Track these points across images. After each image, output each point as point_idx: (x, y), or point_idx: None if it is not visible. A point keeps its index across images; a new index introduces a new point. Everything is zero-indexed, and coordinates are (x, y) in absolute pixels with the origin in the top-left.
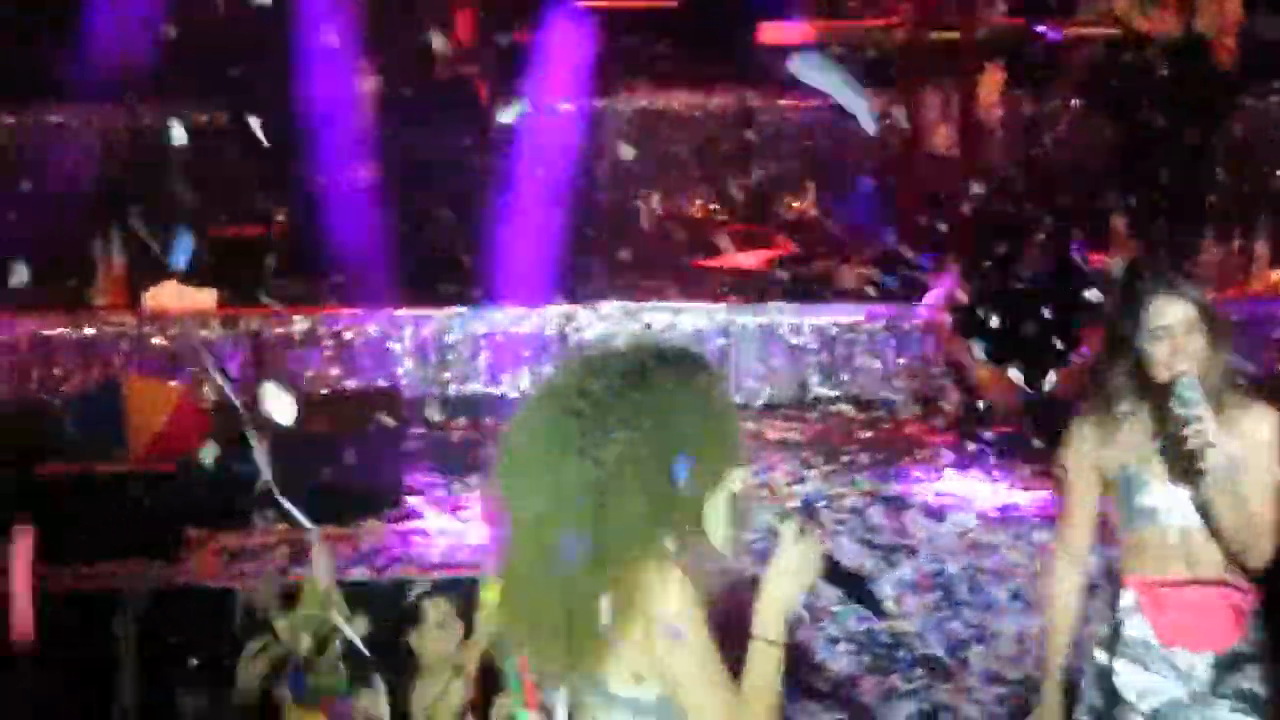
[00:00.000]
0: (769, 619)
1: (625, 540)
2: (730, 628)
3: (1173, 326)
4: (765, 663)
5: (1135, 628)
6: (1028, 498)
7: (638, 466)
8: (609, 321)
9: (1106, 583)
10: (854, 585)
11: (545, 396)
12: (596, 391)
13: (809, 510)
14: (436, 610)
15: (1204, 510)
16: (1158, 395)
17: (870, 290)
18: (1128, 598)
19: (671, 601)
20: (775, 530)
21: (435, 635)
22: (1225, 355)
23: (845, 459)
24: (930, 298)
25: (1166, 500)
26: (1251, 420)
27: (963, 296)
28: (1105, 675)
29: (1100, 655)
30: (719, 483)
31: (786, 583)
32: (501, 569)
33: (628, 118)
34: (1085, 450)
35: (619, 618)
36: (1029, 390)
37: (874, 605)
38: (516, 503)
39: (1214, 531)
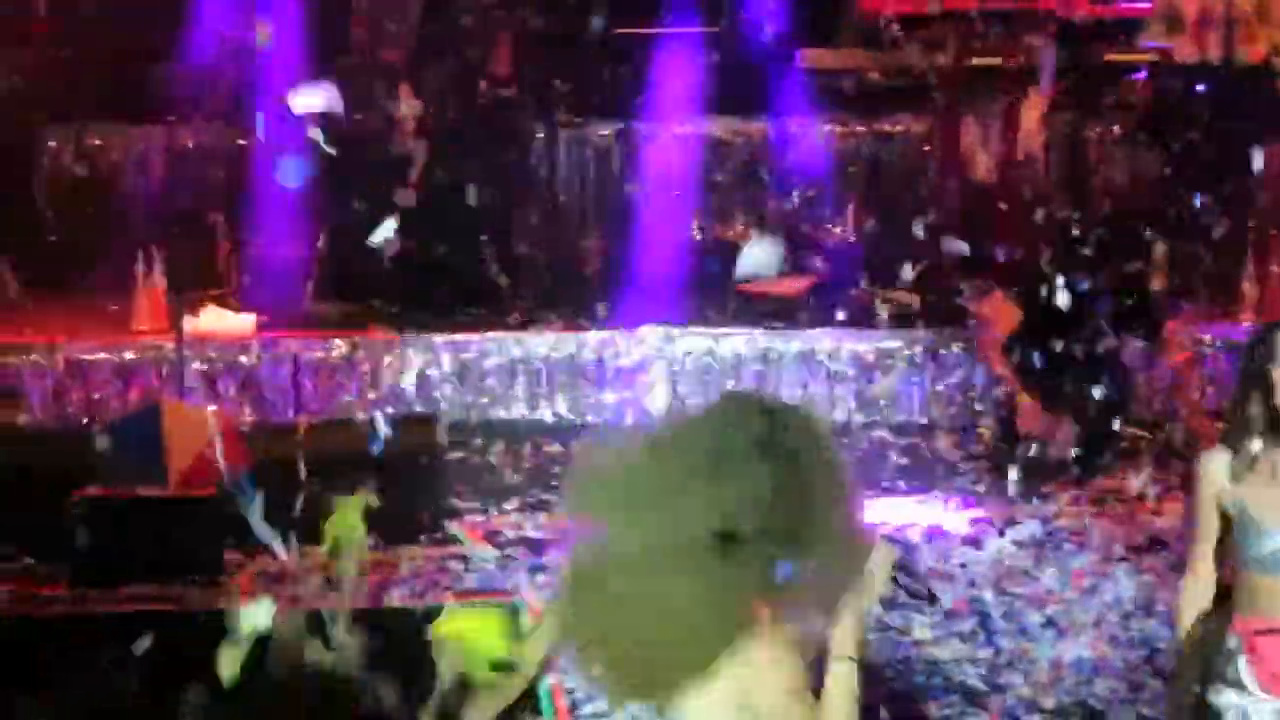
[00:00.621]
0: (846, 636)
1: (735, 602)
2: None
3: None
4: (846, 679)
5: (1236, 671)
6: (1064, 523)
7: (762, 527)
8: (646, 346)
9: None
10: (908, 577)
11: (669, 443)
12: (732, 452)
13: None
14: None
15: None
16: None
17: (909, 316)
18: (1232, 640)
19: (771, 674)
20: None
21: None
22: None
23: (883, 485)
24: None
25: None
26: None
27: (1013, 320)
28: (1207, 712)
29: (1201, 689)
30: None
31: (859, 598)
32: (583, 592)
33: (667, 142)
34: (1211, 482)
35: (721, 663)
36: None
37: (926, 591)
38: (619, 534)
39: None
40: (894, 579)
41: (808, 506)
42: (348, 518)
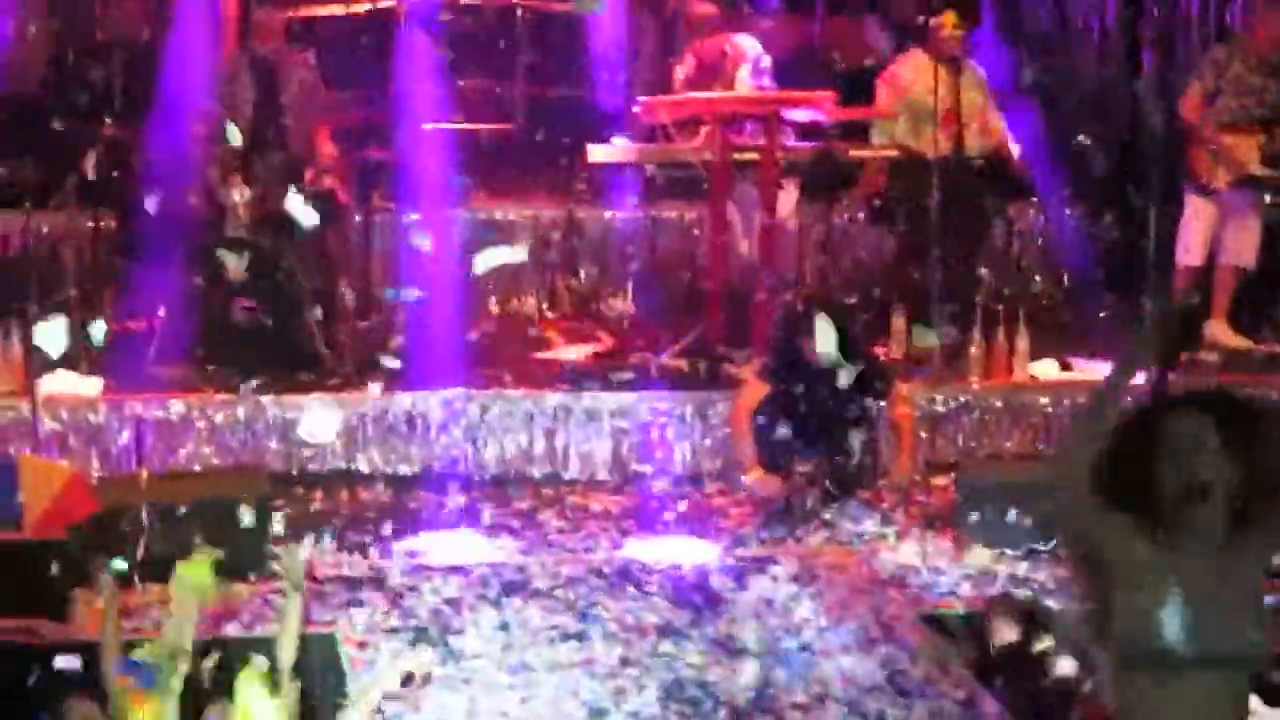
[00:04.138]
0: None
1: None
2: None
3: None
4: None
5: None
6: (819, 562)
7: None
8: (448, 406)
9: None
10: None
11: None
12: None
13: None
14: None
15: None
16: None
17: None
18: None
19: None
20: None
21: None
22: None
23: (660, 527)
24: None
25: None
26: None
27: (759, 393)
28: None
29: None
30: None
31: None
32: None
33: (470, 226)
34: None
35: None
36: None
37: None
38: None
39: None
40: None
41: None
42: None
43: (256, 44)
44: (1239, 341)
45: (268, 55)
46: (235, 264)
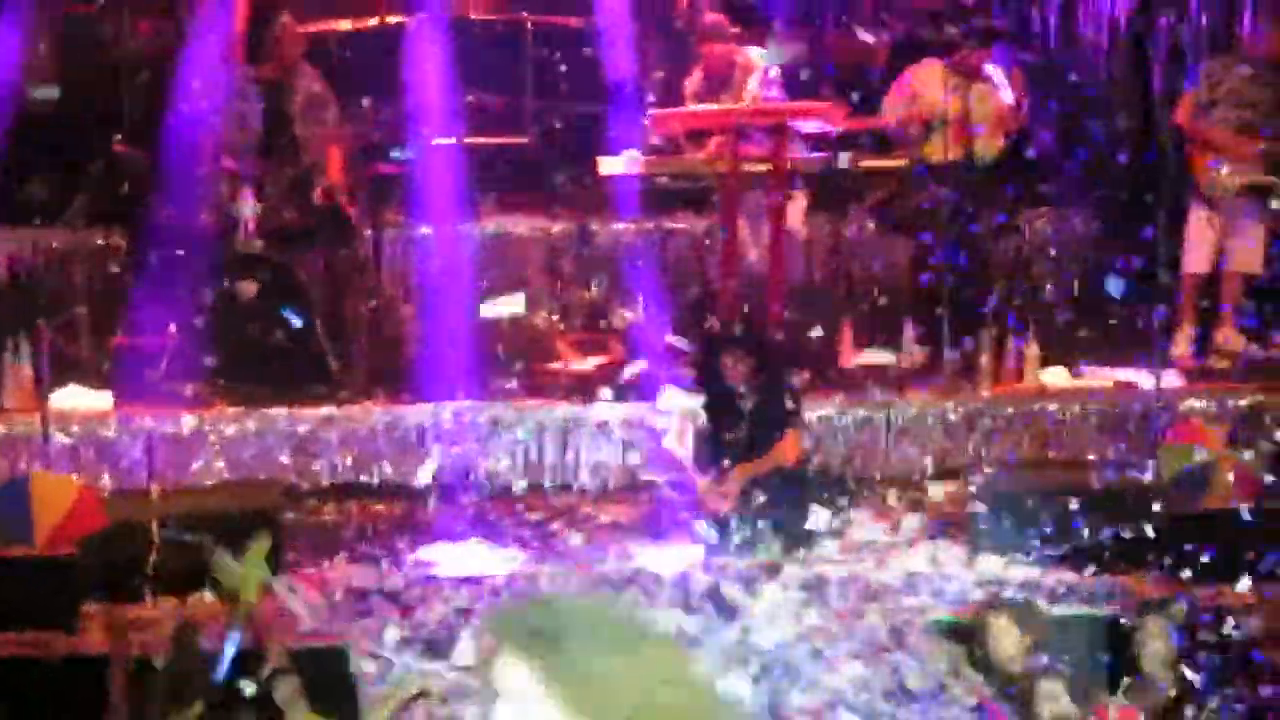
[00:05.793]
0: None
1: None
2: None
3: None
4: None
5: None
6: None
7: None
8: (463, 419)
9: None
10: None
11: None
12: None
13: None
14: (285, 686)
15: None
16: None
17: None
18: None
19: None
20: None
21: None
22: None
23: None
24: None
25: None
26: None
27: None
28: None
29: None
30: None
31: None
32: None
33: (480, 239)
34: None
35: None
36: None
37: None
38: None
39: None
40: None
41: None
42: (253, 563)
43: (279, 54)
44: (1248, 347)
45: (275, 70)
46: (245, 280)
